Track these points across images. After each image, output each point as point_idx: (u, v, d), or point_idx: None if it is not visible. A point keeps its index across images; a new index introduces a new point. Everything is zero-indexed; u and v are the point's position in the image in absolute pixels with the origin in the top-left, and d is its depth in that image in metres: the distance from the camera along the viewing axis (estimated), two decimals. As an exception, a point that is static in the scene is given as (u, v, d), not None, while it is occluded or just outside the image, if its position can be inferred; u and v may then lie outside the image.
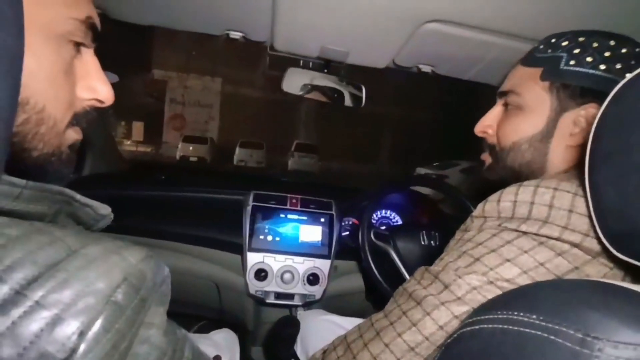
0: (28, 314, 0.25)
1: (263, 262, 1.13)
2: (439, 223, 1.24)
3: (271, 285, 1.13)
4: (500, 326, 0.35)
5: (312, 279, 1.15)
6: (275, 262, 1.14)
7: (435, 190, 1.21)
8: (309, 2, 0.74)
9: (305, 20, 0.82)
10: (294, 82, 1.14)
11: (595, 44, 0.57)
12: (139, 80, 15.46)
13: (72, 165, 0.43)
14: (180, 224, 1.18)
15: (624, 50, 0.55)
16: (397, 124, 16.98)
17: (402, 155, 15.49)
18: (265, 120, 16.50)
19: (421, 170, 9.99)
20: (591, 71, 0.56)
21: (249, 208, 1.16)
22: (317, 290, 1.16)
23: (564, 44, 0.59)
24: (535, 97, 0.61)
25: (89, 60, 0.42)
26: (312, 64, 1.12)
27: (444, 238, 1.05)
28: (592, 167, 0.44)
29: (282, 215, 1.18)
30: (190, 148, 13.63)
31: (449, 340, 0.42)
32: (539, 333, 0.32)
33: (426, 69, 1.01)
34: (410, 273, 0.61)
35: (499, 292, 0.47)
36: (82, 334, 0.26)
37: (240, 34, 0.95)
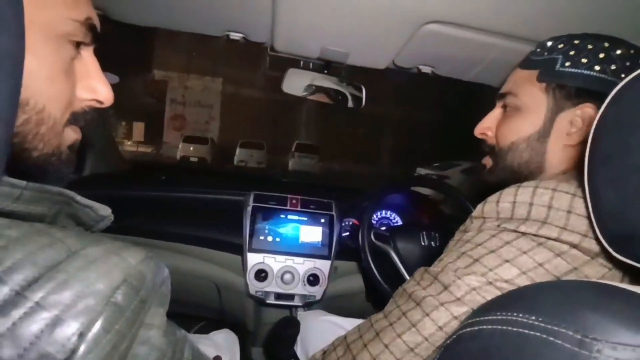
0: (28, 315, 0.25)
1: (263, 262, 1.13)
2: (439, 224, 1.24)
3: (271, 286, 1.13)
4: (500, 327, 0.35)
5: (312, 279, 1.15)
6: (275, 263, 1.14)
7: (436, 190, 1.21)
8: (309, 3, 0.74)
9: (306, 21, 0.82)
10: (294, 83, 1.15)
11: (590, 46, 0.58)
12: (140, 81, 15.48)
13: (72, 165, 0.43)
14: (181, 224, 1.18)
15: (618, 52, 0.56)
16: (398, 124, 16.98)
17: (403, 156, 15.49)
18: (266, 120, 16.51)
19: (421, 171, 9.98)
20: (586, 72, 0.57)
21: (249, 208, 1.16)
22: (317, 291, 1.16)
23: (560, 46, 0.61)
24: (532, 98, 0.62)
25: (88, 60, 0.42)
26: (312, 65, 1.12)
27: (444, 239, 1.05)
28: (591, 168, 0.44)
29: (282, 216, 1.18)
30: (191, 148, 13.62)
31: (448, 341, 0.42)
32: (538, 334, 0.32)
33: (426, 69, 1.01)
34: (410, 274, 0.61)
35: (498, 292, 0.47)
36: (82, 335, 0.26)
37: (241, 35, 0.95)
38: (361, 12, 0.75)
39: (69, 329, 0.26)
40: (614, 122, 0.41)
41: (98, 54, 0.44)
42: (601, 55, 0.57)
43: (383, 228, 1.12)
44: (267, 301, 1.15)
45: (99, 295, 0.27)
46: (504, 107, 0.67)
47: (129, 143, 16.27)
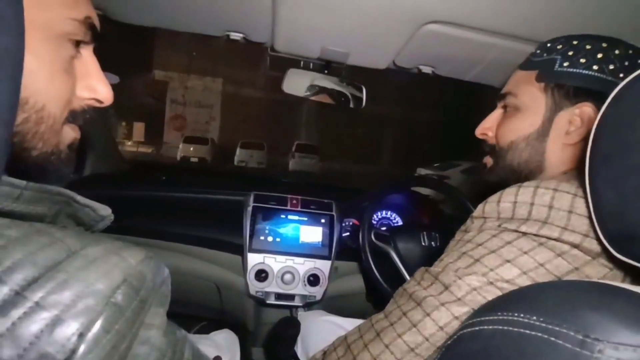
0: (28, 315, 0.25)
1: (263, 262, 1.13)
2: (440, 224, 1.24)
3: (271, 286, 1.13)
4: (501, 327, 0.35)
5: (313, 279, 1.15)
6: (275, 263, 1.14)
7: (436, 190, 1.21)
8: (310, 3, 0.74)
9: (306, 21, 0.82)
10: (295, 83, 1.15)
11: (588, 46, 0.58)
12: (140, 81, 15.49)
13: (72, 165, 0.43)
14: (181, 224, 1.18)
15: (616, 52, 0.57)
16: (398, 124, 16.99)
17: (403, 156, 15.49)
18: (266, 120, 16.51)
19: (422, 171, 9.98)
20: (584, 72, 0.57)
21: (250, 209, 1.16)
22: (317, 291, 1.16)
23: (559, 47, 0.61)
24: (531, 98, 0.63)
25: (88, 60, 0.42)
26: (312, 65, 1.12)
27: (444, 239, 1.05)
28: (592, 168, 0.44)
29: (282, 216, 1.18)
30: (191, 148, 13.63)
31: (449, 342, 0.42)
32: (539, 334, 0.32)
33: (427, 69, 1.01)
34: (411, 274, 0.61)
35: (499, 293, 0.47)
36: (82, 335, 0.26)
37: (241, 35, 0.95)
38: (361, 12, 0.75)
39: (69, 329, 0.26)
40: (615, 122, 0.41)
41: (98, 54, 0.44)
42: (599, 55, 0.57)
43: (383, 228, 1.12)
44: (268, 301, 1.15)
45: (99, 295, 0.27)
46: (505, 107, 0.68)
47: (129, 143, 16.29)
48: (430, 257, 0.60)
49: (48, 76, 0.36)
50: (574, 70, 0.58)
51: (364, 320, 0.63)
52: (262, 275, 1.12)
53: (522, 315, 0.34)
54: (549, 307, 0.34)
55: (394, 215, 1.36)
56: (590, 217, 0.45)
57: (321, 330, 0.97)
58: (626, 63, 0.56)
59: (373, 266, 1.00)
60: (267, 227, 1.16)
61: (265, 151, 14.14)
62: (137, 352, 0.30)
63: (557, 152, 0.61)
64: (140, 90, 15.68)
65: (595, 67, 0.57)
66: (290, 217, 1.18)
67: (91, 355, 0.26)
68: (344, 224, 1.23)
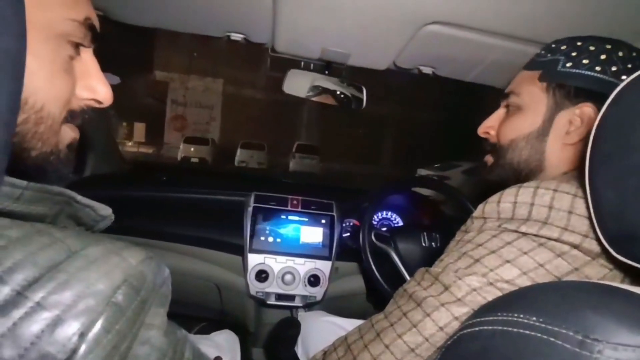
0: (29, 314, 0.25)
1: (264, 263, 1.13)
2: (440, 224, 1.24)
3: (272, 287, 1.13)
4: (500, 328, 0.35)
5: (313, 280, 1.14)
6: (276, 264, 1.14)
7: (437, 191, 1.21)
8: (310, 4, 0.75)
9: (306, 22, 0.82)
10: (295, 83, 1.15)
11: (591, 48, 0.59)
12: (141, 82, 15.51)
13: (71, 165, 0.43)
14: (181, 225, 1.18)
15: (620, 54, 0.57)
16: (398, 125, 16.99)
17: (403, 157, 15.48)
18: (267, 121, 16.52)
19: (422, 172, 9.97)
20: (587, 72, 0.57)
21: (250, 209, 1.16)
22: (317, 292, 1.16)
23: (562, 48, 0.62)
24: (533, 97, 0.63)
25: (88, 60, 0.42)
26: (313, 66, 1.12)
27: (444, 239, 1.05)
28: (591, 169, 0.44)
29: (283, 217, 1.18)
30: (192, 149, 13.64)
31: (449, 342, 0.42)
32: (539, 335, 0.32)
33: (427, 70, 1.01)
34: (411, 274, 0.61)
35: (499, 293, 0.47)
36: (82, 335, 0.26)
37: (242, 36, 0.95)
38: (362, 13, 0.75)
39: (70, 329, 0.26)
40: (615, 122, 0.41)
41: (99, 54, 0.44)
42: (602, 57, 0.57)
43: (384, 229, 1.12)
44: (268, 302, 1.15)
45: (99, 296, 0.27)
46: (507, 106, 0.68)
47: (130, 144, 16.29)
48: (431, 257, 0.60)
49: (48, 76, 0.36)
50: (577, 70, 0.59)
51: (365, 320, 0.63)
52: (262, 275, 1.12)
53: (521, 315, 0.34)
54: (548, 308, 0.34)
55: (394, 215, 1.36)
56: (590, 218, 0.45)
57: (321, 330, 0.97)
58: (629, 65, 0.57)
59: (373, 267, 1.00)
60: (268, 228, 1.16)
61: (265, 152, 14.14)
62: (138, 352, 0.30)
63: (557, 152, 0.61)
64: (141, 90, 15.69)
65: (597, 68, 0.57)
66: (290, 217, 1.18)
67: (92, 355, 0.26)
68: (344, 225, 1.23)
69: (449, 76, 1.04)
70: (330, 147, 15.20)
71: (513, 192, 0.53)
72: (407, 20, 0.76)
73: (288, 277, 1.13)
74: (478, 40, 0.80)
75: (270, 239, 1.15)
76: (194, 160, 13.39)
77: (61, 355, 0.25)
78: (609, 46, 0.58)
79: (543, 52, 0.65)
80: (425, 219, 1.34)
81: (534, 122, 0.63)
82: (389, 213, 1.35)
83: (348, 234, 1.23)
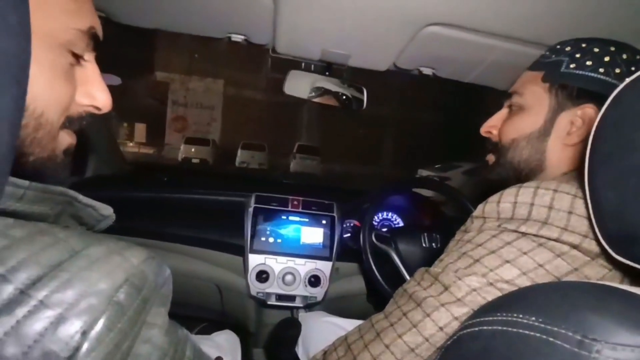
0: (32, 313, 0.25)
1: (264, 263, 1.13)
2: (441, 225, 1.24)
3: (272, 287, 1.13)
4: (500, 328, 0.35)
5: (314, 280, 1.15)
6: (276, 264, 1.14)
7: (437, 192, 1.21)
8: (311, 5, 0.75)
9: (307, 23, 0.82)
10: (296, 84, 1.15)
11: (596, 49, 0.59)
12: (142, 82, 15.52)
13: (67, 170, 0.43)
14: (182, 225, 1.18)
15: (624, 56, 0.57)
16: (399, 125, 16.99)
17: (404, 157, 15.48)
18: (267, 122, 16.53)
19: (423, 172, 9.98)
20: (590, 74, 0.58)
21: (251, 210, 1.16)
22: (318, 292, 1.16)
23: (567, 49, 0.62)
24: (535, 98, 0.63)
25: (89, 67, 0.42)
26: (313, 67, 1.12)
27: (445, 240, 1.05)
28: (591, 169, 0.44)
29: (283, 217, 1.18)
30: (192, 150, 13.65)
31: (449, 342, 0.42)
32: (538, 335, 0.32)
33: (427, 71, 1.01)
34: (412, 275, 0.61)
35: (499, 293, 0.48)
36: (85, 333, 0.26)
37: (242, 37, 0.95)
38: (362, 14, 0.75)
39: (72, 327, 0.26)
40: (615, 123, 0.42)
41: (100, 55, 0.44)
42: (606, 59, 0.58)
43: (384, 229, 1.12)
44: (269, 302, 1.15)
45: (101, 295, 0.28)
46: (510, 106, 0.69)
47: (131, 144, 16.30)
48: (431, 258, 0.60)
49: (48, 83, 0.36)
50: (580, 72, 0.59)
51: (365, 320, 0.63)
52: (263, 276, 1.12)
53: (521, 315, 0.34)
54: (548, 308, 0.34)
55: (394, 216, 1.36)
56: (589, 218, 0.45)
57: (322, 331, 0.97)
58: (632, 68, 0.57)
59: (374, 267, 1.00)
60: (268, 228, 1.16)
61: (266, 152, 14.15)
62: (139, 351, 0.30)
63: (558, 152, 0.62)
64: (142, 91, 15.70)
65: (601, 70, 0.57)
66: (291, 218, 1.19)
67: (94, 353, 0.26)
68: (344, 225, 1.23)
69: (449, 77, 1.04)
70: (330, 147, 15.19)
71: (513, 192, 0.54)
72: (407, 21, 0.76)
73: (289, 277, 1.13)
74: (478, 42, 0.80)
75: (271, 240, 1.15)
76: (194, 161, 13.40)
77: (64, 353, 0.25)
78: (613, 48, 0.58)
79: (547, 53, 0.66)
80: (425, 219, 1.34)
81: (536, 122, 0.63)
82: (390, 214, 1.35)
83: (348, 234, 1.23)
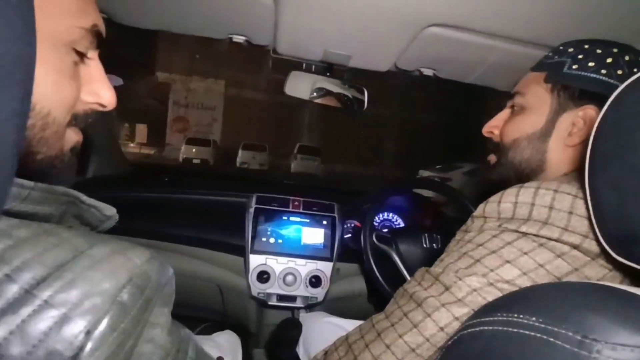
0: (37, 312, 0.25)
1: (265, 264, 1.13)
2: (441, 226, 1.24)
3: (273, 288, 1.13)
4: (501, 328, 0.35)
5: (314, 281, 1.15)
6: (277, 265, 1.14)
7: (438, 193, 1.21)
8: (312, 6, 0.75)
9: (308, 24, 0.82)
10: (297, 85, 1.15)
11: (598, 51, 0.59)
12: (143, 83, 15.52)
13: (74, 168, 0.44)
14: (183, 226, 1.18)
15: (626, 58, 0.57)
16: (400, 126, 16.98)
17: (405, 158, 15.48)
18: (268, 122, 16.53)
19: (424, 173, 9.97)
20: (592, 75, 0.58)
21: (252, 210, 1.16)
22: (319, 293, 1.16)
23: (570, 50, 0.62)
24: (537, 98, 0.64)
25: (93, 65, 0.43)
26: (314, 68, 1.12)
27: (445, 241, 1.05)
28: (591, 170, 0.44)
29: (284, 218, 1.18)
30: (193, 150, 13.66)
31: (449, 342, 0.42)
32: (539, 335, 0.32)
33: (428, 72, 1.01)
34: (412, 276, 0.61)
35: (499, 293, 0.48)
36: (88, 333, 0.26)
37: (244, 38, 0.95)
38: (363, 15, 0.76)
39: (76, 327, 0.26)
40: (615, 123, 0.42)
41: (101, 55, 0.45)
42: (609, 60, 0.58)
43: (385, 230, 1.13)
44: (269, 303, 1.15)
45: (105, 295, 0.28)
46: (513, 107, 0.69)
47: (132, 145, 16.31)
48: (432, 259, 0.60)
49: (54, 83, 0.36)
50: (582, 73, 0.59)
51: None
52: (264, 276, 1.13)
53: (521, 316, 0.34)
54: (548, 308, 0.34)
55: (395, 217, 1.36)
56: (590, 218, 0.45)
57: (323, 331, 0.97)
58: (635, 69, 0.57)
59: (374, 268, 1.01)
60: (269, 229, 1.16)
61: (267, 153, 14.16)
62: (142, 351, 0.31)
63: (559, 153, 0.62)
64: (143, 92, 15.71)
65: (603, 71, 0.58)
66: (292, 218, 1.19)
67: (98, 352, 0.26)
68: (345, 226, 1.23)
69: (449, 78, 1.04)
70: (331, 148, 15.19)
71: (514, 192, 0.54)
72: (408, 22, 0.76)
73: (289, 278, 1.13)
74: (479, 43, 0.80)
75: (272, 240, 1.16)
76: (195, 161, 13.41)
77: (68, 352, 0.26)
78: (615, 50, 0.59)
79: (550, 54, 0.66)
80: (426, 220, 1.34)
81: (537, 122, 0.63)
82: (390, 214, 1.36)
83: (349, 235, 1.23)
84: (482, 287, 0.49)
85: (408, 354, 0.52)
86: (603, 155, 0.43)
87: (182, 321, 0.39)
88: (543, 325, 0.32)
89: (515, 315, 0.35)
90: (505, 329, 0.35)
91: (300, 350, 0.98)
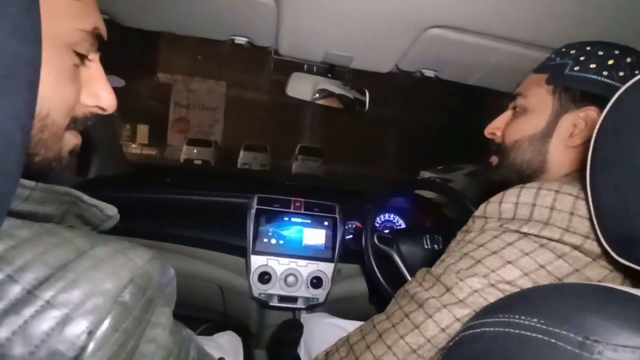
0: (39, 313, 0.26)
1: (267, 265, 1.13)
2: (443, 227, 1.24)
3: (275, 288, 1.13)
4: (502, 329, 0.35)
5: (316, 282, 1.15)
6: (279, 265, 1.14)
7: (439, 194, 1.21)
8: (313, 8, 0.75)
9: (310, 26, 0.83)
10: (298, 86, 1.15)
11: (600, 53, 0.59)
12: (144, 84, 15.56)
13: (72, 170, 0.44)
14: (185, 226, 1.18)
15: (628, 60, 0.58)
16: (401, 127, 16.99)
17: (406, 159, 15.48)
18: (270, 123, 16.56)
19: (425, 174, 9.96)
20: (593, 77, 0.58)
21: (253, 211, 1.16)
22: (320, 294, 1.16)
23: (572, 52, 0.63)
24: (539, 100, 0.64)
25: (93, 67, 0.42)
26: (316, 69, 1.12)
27: (447, 242, 1.05)
28: (593, 171, 0.44)
29: (285, 219, 1.18)
30: (195, 151, 13.68)
31: (450, 343, 0.42)
32: (540, 336, 0.32)
33: (429, 73, 1.01)
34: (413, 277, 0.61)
35: (500, 294, 0.48)
36: (91, 333, 0.26)
37: (245, 39, 0.96)
38: (365, 16, 0.76)
39: (78, 327, 0.26)
40: (616, 125, 0.42)
41: (103, 56, 0.44)
42: (610, 62, 0.58)
43: (386, 231, 1.13)
44: (271, 303, 1.15)
45: (107, 295, 0.28)
46: (514, 108, 0.69)
47: (134, 145, 16.34)
48: (433, 260, 0.60)
49: (54, 84, 0.36)
50: (584, 74, 0.59)
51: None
52: (265, 277, 1.13)
53: (523, 317, 0.34)
54: (549, 310, 0.34)
55: (396, 218, 1.36)
56: (591, 219, 0.45)
57: (324, 332, 0.97)
58: (636, 71, 0.57)
59: (376, 269, 1.01)
60: (271, 230, 1.16)
61: (268, 154, 14.16)
62: (144, 351, 0.31)
63: (560, 154, 0.62)
64: (145, 92, 15.74)
65: (605, 73, 0.58)
66: (293, 219, 1.19)
67: (100, 352, 0.27)
68: (347, 227, 1.23)
69: (451, 79, 1.04)
70: (333, 149, 15.19)
71: (515, 192, 0.54)
72: (410, 23, 0.76)
73: (291, 279, 1.13)
74: (480, 44, 0.80)
75: (273, 241, 1.16)
76: (197, 162, 13.43)
77: (70, 352, 0.26)
78: (617, 52, 0.59)
79: (553, 55, 0.66)
80: (427, 221, 1.34)
81: (539, 123, 0.63)
82: (392, 215, 1.36)
83: (351, 236, 1.23)
84: (484, 288, 0.49)
85: (409, 355, 0.52)
86: (604, 157, 0.43)
87: (183, 321, 0.39)
88: (544, 327, 0.32)
89: (517, 316, 0.35)
90: (506, 330, 0.35)
91: (302, 351, 0.98)
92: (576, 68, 0.60)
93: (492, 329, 0.37)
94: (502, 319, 0.36)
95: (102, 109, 0.44)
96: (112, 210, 0.44)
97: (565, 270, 0.47)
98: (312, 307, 1.19)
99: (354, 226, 1.24)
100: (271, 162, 14.09)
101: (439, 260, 0.57)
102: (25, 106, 0.24)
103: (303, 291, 1.15)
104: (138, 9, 0.87)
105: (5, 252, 0.27)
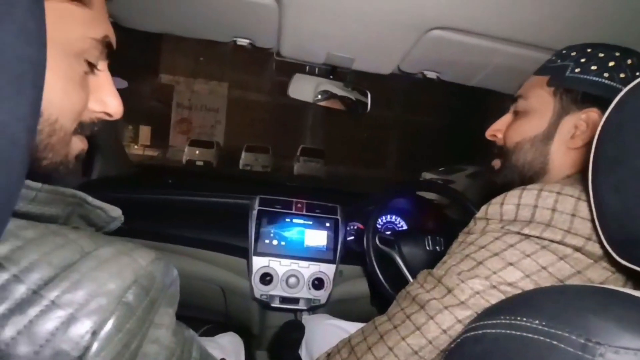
0: (44, 313, 0.26)
1: (268, 266, 1.13)
2: (444, 228, 1.24)
3: (276, 290, 1.14)
4: (504, 331, 0.35)
5: (317, 283, 1.15)
6: (280, 266, 1.14)
7: (441, 195, 1.21)
8: (315, 9, 0.75)
9: (311, 27, 0.83)
10: (300, 87, 1.15)
11: (601, 54, 0.59)
12: (147, 85, 15.60)
13: (78, 174, 0.44)
14: (187, 227, 1.18)
15: (629, 62, 0.58)
16: (403, 128, 16.98)
17: (408, 160, 15.47)
18: (271, 124, 16.58)
19: (427, 175, 9.95)
20: (594, 78, 0.58)
21: (255, 212, 1.16)
22: (322, 295, 1.16)
23: (573, 54, 0.63)
24: (540, 101, 0.64)
25: (102, 74, 0.43)
26: (318, 70, 1.13)
27: (449, 243, 1.05)
28: (595, 173, 0.44)
29: (287, 220, 1.18)
30: (197, 152, 13.70)
31: (452, 345, 0.42)
32: (542, 338, 0.32)
33: (431, 75, 1.02)
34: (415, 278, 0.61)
35: (502, 296, 0.48)
36: (95, 333, 0.27)
37: (248, 41, 0.96)
38: (366, 18, 0.76)
39: (83, 327, 0.27)
40: (618, 126, 0.42)
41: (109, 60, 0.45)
42: (611, 64, 0.58)
43: (388, 232, 1.13)
44: (272, 305, 1.15)
45: (111, 295, 0.28)
46: (516, 110, 0.69)
47: (136, 147, 16.38)
48: (435, 261, 0.60)
49: (63, 90, 0.37)
50: (584, 76, 0.59)
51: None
52: (267, 278, 1.13)
53: (524, 319, 0.34)
54: (551, 311, 0.34)
55: (398, 219, 1.36)
56: (592, 221, 0.45)
57: (325, 333, 0.97)
58: (638, 73, 0.57)
59: (377, 270, 1.01)
60: (272, 231, 1.17)
61: (270, 155, 14.18)
62: (147, 351, 0.31)
63: (561, 155, 0.62)
64: (147, 94, 15.79)
65: (605, 75, 0.58)
66: (295, 220, 1.19)
67: (104, 352, 0.27)
68: (348, 228, 1.23)
69: (453, 81, 1.05)
70: (334, 150, 15.19)
71: (516, 194, 0.54)
72: (411, 25, 0.77)
73: (292, 280, 1.13)
74: (482, 45, 0.80)
75: (275, 242, 1.16)
76: (199, 163, 13.45)
77: (75, 352, 0.26)
78: (618, 53, 0.59)
79: (554, 57, 0.66)
80: (429, 222, 1.34)
81: (540, 125, 0.63)
82: (393, 217, 1.36)
83: (352, 237, 1.23)
84: (485, 289, 0.49)
85: (411, 357, 0.52)
86: (606, 158, 0.43)
87: (185, 322, 0.39)
88: (546, 328, 0.32)
89: (518, 318, 0.35)
90: (508, 331, 0.35)
91: (303, 352, 0.98)
92: (577, 70, 0.60)
93: (493, 330, 0.37)
94: (503, 321, 0.36)
95: (109, 115, 0.45)
96: (116, 212, 0.44)
97: (567, 272, 0.47)
98: (313, 308, 1.19)
99: (355, 227, 1.24)
100: (273, 163, 14.10)
101: (441, 261, 0.57)
102: (30, 107, 0.25)
103: (304, 292, 1.15)
104: (141, 10, 0.87)
105: (11, 252, 0.27)
